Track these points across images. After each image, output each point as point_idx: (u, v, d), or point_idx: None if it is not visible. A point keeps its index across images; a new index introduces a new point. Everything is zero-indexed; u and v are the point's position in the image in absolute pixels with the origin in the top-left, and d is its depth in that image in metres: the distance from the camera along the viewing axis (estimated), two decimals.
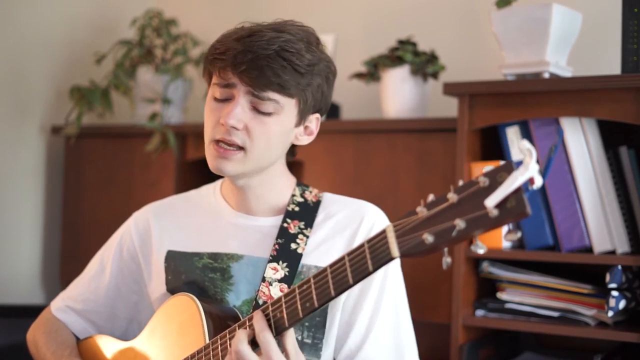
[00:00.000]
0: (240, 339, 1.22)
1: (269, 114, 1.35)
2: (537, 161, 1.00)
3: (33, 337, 1.58)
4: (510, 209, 0.98)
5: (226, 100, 1.37)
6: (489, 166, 1.05)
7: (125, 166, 2.53)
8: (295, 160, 2.19)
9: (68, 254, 2.61)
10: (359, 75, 2.29)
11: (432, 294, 2.02)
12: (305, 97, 1.37)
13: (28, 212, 2.58)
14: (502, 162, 1.01)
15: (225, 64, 1.34)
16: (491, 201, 0.98)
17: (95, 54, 2.60)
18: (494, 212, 0.98)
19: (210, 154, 1.39)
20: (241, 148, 1.36)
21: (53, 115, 2.63)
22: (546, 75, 1.85)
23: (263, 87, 1.33)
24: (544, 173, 1.01)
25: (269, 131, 1.36)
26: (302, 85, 1.35)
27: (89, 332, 1.58)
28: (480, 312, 1.91)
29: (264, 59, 1.31)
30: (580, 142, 1.82)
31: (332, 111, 2.34)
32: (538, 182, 0.98)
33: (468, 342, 1.90)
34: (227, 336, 1.28)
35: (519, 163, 0.99)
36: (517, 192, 0.98)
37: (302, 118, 1.41)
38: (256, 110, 1.35)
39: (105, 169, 2.57)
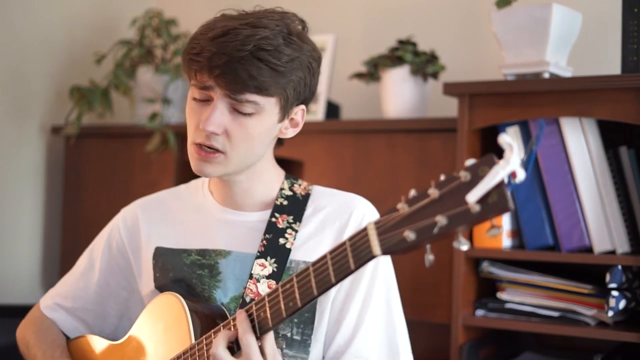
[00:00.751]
0: (219, 341, 1.22)
1: (249, 115, 1.33)
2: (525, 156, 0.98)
3: (23, 336, 1.57)
4: (492, 204, 0.95)
5: (206, 101, 1.35)
6: (471, 160, 1.02)
7: (125, 166, 2.53)
8: (295, 160, 2.20)
9: (68, 254, 2.60)
10: (359, 75, 2.29)
11: (432, 294, 2.02)
12: (286, 94, 1.34)
13: (28, 212, 2.58)
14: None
15: (200, 67, 1.31)
16: (472, 196, 0.96)
17: (95, 54, 2.60)
18: (476, 208, 0.96)
19: (192, 156, 1.37)
20: (220, 151, 1.34)
21: (53, 115, 2.63)
22: (546, 75, 1.85)
23: (240, 90, 1.30)
24: (526, 166, 0.98)
25: (249, 133, 1.34)
26: (281, 84, 1.32)
27: (79, 330, 1.56)
28: (480, 312, 1.91)
29: (238, 61, 1.28)
30: (580, 142, 1.82)
31: (332, 111, 2.34)
32: (520, 175, 0.96)
33: (468, 342, 1.90)
34: (212, 336, 1.27)
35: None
36: (499, 186, 0.95)
37: (285, 113, 1.38)
38: (236, 111, 1.33)
39: (105, 169, 2.57)
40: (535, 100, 1.83)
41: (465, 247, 1.00)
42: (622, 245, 1.78)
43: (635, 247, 1.81)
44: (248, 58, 1.29)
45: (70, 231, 2.62)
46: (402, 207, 1.04)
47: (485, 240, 1.86)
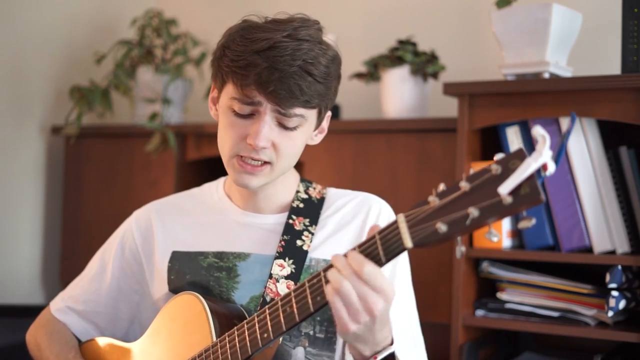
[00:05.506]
0: (362, 260, 1.10)
1: (294, 128, 1.35)
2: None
3: (34, 338, 1.56)
4: (524, 195, 0.97)
5: (248, 115, 1.34)
6: (501, 154, 1.03)
7: (125, 166, 2.53)
8: None
9: (68, 254, 2.61)
10: (359, 75, 2.29)
11: (432, 293, 2.02)
12: (326, 104, 1.38)
13: (28, 212, 2.58)
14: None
15: (248, 82, 1.30)
16: (505, 188, 0.98)
17: (95, 54, 2.60)
18: (508, 200, 0.98)
19: (233, 168, 1.37)
20: (267, 162, 1.36)
21: (53, 115, 2.63)
22: (546, 75, 1.85)
23: (290, 105, 1.31)
24: (556, 159, 1.00)
25: (295, 144, 1.37)
26: (323, 95, 1.35)
27: (90, 333, 1.57)
28: (480, 312, 1.91)
29: (291, 77, 1.29)
30: (580, 142, 1.82)
31: (332, 111, 2.34)
32: (551, 168, 0.98)
33: (468, 342, 1.90)
34: (236, 332, 1.27)
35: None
36: (531, 178, 0.97)
37: (320, 121, 1.42)
38: (282, 125, 1.34)
39: (105, 169, 2.57)
40: (535, 100, 1.83)
41: (496, 239, 1.02)
42: (622, 245, 1.78)
43: (635, 247, 1.81)
44: (299, 73, 1.30)
45: (70, 231, 2.62)
46: (433, 200, 1.05)
47: (485, 241, 1.86)
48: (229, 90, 1.35)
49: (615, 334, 1.76)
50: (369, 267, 1.10)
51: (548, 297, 1.86)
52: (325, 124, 1.46)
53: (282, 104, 1.31)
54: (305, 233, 1.43)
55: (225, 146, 1.37)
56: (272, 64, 1.29)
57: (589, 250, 1.81)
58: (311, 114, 1.37)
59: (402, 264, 1.45)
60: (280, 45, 1.30)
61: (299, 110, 1.33)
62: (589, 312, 1.80)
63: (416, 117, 2.19)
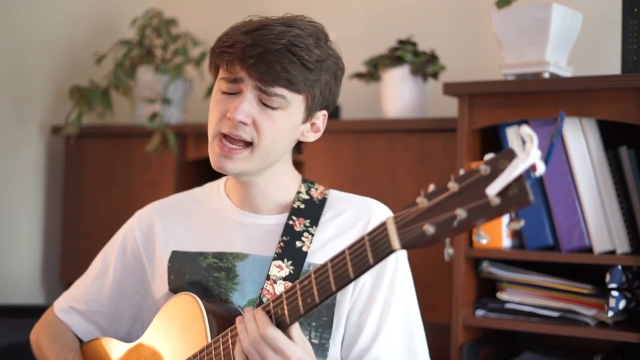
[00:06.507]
0: (266, 322, 1.21)
1: (276, 109, 1.34)
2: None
3: (36, 338, 1.57)
4: (512, 197, 0.95)
5: (234, 94, 1.35)
6: (491, 154, 1.02)
7: (125, 166, 2.53)
8: (295, 160, 2.19)
9: (68, 254, 2.61)
10: (359, 75, 2.29)
11: (432, 293, 2.02)
12: (313, 93, 1.37)
13: (28, 212, 2.58)
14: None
15: (233, 58, 1.32)
16: (492, 189, 0.96)
17: (95, 54, 2.60)
18: (496, 201, 0.96)
19: (213, 151, 1.37)
20: (248, 144, 1.35)
21: (53, 115, 2.63)
22: (546, 75, 1.85)
23: (271, 82, 1.31)
24: (546, 159, 0.98)
25: (276, 126, 1.35)
26: (310, 82, 1.34)
27: (92, 333, 1.57)
28: (480, 312, 1.91)
29: (273, 53, 1.30)
30: (580, 142, 1.82)
31: (331, 111, 2.34)
32: (540, 168, 0.96)
33: (468, 342, 1.90)
34: (229, 334, 1.27)
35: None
36: (519, 179, 0.95)
37: (309, 115, 1.40)
38: (263, 104, 1.34)
39: (105, 169, 2.57)
40: (535, 100, 1.83)
41: (485, 241, 1.01)
42: (622, 245, 1.78)
43: (635, 247, 1.81)
44: (282, 51, 1.30)
45: (70, 231, 2.62)
46: (422, 201, 1.04)
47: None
48: (220, 73, 1.38)
49: (615, 334, 1.76)
50: (270, 329, 1.20)
51: (548, 297, 1.86)
52: (322, 124, 1.45)
53: (262, 79, 1.31)
54: (305, 234, 1.42)
55: (210, 126, 1.39)
56: (256, 41, 1.31)
57: (589, 250, 1.81)
58: (295, 99, 1.35)
59: (401, 275, 1.43)
60: (268, 27, 1.33)
61: (280, 90, 1.32)
62: (589, 312, 1.80)
63: (416, 117, 2.19)
